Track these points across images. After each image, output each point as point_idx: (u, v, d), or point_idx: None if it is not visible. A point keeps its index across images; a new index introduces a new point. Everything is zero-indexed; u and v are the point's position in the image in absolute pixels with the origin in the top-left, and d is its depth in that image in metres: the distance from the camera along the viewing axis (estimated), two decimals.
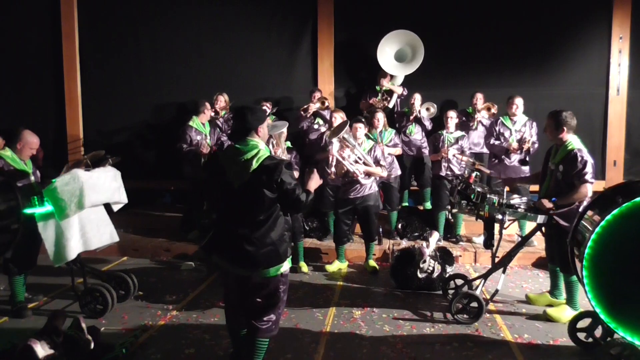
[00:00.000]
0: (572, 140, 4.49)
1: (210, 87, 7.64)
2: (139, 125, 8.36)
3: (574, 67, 7.65)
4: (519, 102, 6.58)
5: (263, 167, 3.13)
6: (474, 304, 4.56)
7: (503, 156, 6.59)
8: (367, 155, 5.82)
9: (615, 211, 3.48)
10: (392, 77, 7.43)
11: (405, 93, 7.43)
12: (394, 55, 7.42)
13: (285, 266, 3.32)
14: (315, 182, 3.45)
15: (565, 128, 4.47)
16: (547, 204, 4.42)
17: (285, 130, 5.59)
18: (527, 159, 6.56)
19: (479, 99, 7.13)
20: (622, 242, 3.49)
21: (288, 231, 3.67)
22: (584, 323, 4.00)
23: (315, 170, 3.58)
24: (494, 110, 7.10)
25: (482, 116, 7.07)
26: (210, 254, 3.57)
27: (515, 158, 6.56)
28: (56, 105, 8.43)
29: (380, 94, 7.41)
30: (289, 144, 6.05)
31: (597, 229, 3.52)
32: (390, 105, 7.36)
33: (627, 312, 3.49)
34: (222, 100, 7.40)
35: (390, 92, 7.42)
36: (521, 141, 6.47)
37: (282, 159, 3.43)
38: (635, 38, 7.50)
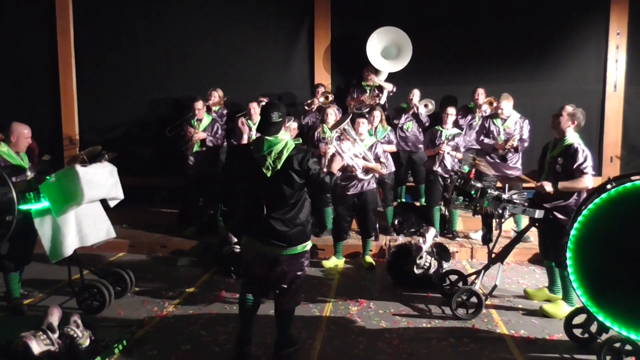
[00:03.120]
0: (572, 136, 4.54)
1: (207, 83, 7.62)
2: (135, 122, 8.33)
3: (572, 63, 7.66)
4: (504, 105, 6.53)
5: (292, 156, 3.53)
6: (474, 300, 4.58)
7: (492, 154, 6.61)
8: (367, 152, 5.82)
9: (603, 195, 3.49)
10: (377, 72, 7.39)
11: (394, 90, 7.41)
12: (380, 52, 7.39)
13: (310, 244, 3.76)
14: (337, 164, 3.90)
15: (576, 122, 4.55)
16: (548, 187, 4.44)
17: (289, 125, 5.57)
18: (507, 156, 6.52)
19: (480, 94, 7.10)
20: (608, 227, 3.49)
21: (311, 214, 4.04)
22: (580, 319, 4.01)
23: (336, 153, 3.97)
24: (496, 104, 7.08)
25: (484, 111, 7.04)
26: (239, 234, 4.02)
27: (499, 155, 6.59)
28: (52, 102, 8.39)
29: (369, 91, 7.38)
30: (299, 140, 6.03)
31: (585, 212, 3.54)
32: (382, 102, 7.32)
33: (609, 297, 3.50)
34: (216, 95, 7.39)
35: (380, 89, 7.39)
36: (508, 140, 6.47)
37: (307, 148, 3.83)
38: (633, 34, 7.50)
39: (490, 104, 7.07)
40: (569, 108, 4.60)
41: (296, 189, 3.56)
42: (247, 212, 3.70)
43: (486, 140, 6.66)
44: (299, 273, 3.72)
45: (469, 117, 7.22)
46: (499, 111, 6.60)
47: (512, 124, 6.56)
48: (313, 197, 3.96)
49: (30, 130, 4.83)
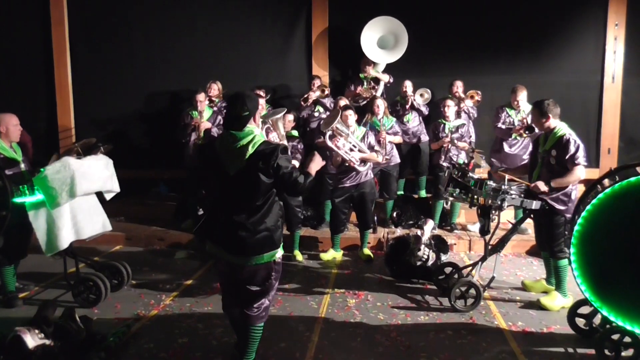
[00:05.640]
0: (561, 127, 4.53)
1: (204, 75, 7.54)
2: (131, 114, 8.24)
3: (570, 54, 7.61)
4: (521, 96, 6.44)
5: (259, 152, 3.12)
6: (472, 292, 4.57)
7: (504, 143, 6.54)
8: (360, 143, 5.78)
9: (607, 190, 3.48)
10: (374, 64, 7.35)
11: (391, 81, 7.36)
12: (377, 42, 7.33)
13: (279, 252, 3.35)
14: (316, 164, 3.44)
15: (550, 115, 4.53)
16: (543, 186, 4.42)
17: (281, 116, 5.53)
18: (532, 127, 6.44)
19: (459, 86, 7.01)
20: (612, 222, 3.48)
21: (282, 218, 3.70)
22: (586, 310, 3.98)
23: (316, 153, 3.56)
24: (477, 97, 6.97)
25: (467, 105, 6.95)
26: (204, 240, 3.57)
27: (516, 148, 6.53)
28: (47, 94, 8.30)
29: (366, 82, 7.33)
30: (295, 132, 6.01)
31: (588, 207, 3.53)
32: (378, 94, 7.27)
33: (613, 292, 3.50)
34: (216, 88, 7.30)
35: (376, 80, 7.34)
36: (522, 121, 6.39)
37: (277, 143, 3.40)
38: (631, 25, 7.45)
39: (472, 97, 6.98)
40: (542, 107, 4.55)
41: (262, 189, 3.16)
42: (210, 214, 3.37)
43: (503, 127, 6.54)
44: (266, 283, 3.32)
45: None
46: (515, 103, 6.50)
47: (527, 115, 6.43)
48: (284, 194, 3.51)
49: (18, 118, 4.69)
